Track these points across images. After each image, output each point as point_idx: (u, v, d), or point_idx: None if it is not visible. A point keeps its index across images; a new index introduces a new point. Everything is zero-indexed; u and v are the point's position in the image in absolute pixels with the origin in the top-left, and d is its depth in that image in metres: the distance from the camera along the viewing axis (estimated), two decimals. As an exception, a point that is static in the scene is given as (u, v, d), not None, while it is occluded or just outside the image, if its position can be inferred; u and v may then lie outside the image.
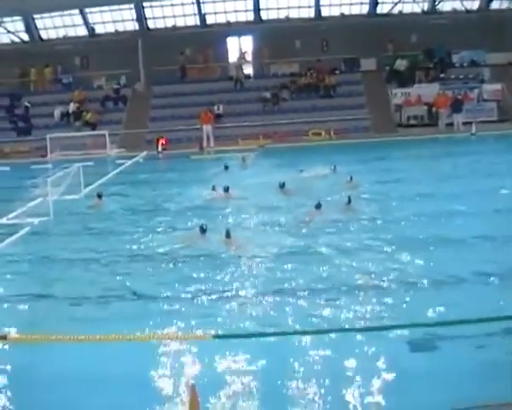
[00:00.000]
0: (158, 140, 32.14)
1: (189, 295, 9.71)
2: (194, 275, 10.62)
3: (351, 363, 7.26)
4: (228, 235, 12.17)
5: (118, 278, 10.83)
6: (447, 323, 7.87)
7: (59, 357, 7.67)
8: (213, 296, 9.61)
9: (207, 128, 32.59)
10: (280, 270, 10.62)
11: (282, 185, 17.44)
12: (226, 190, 17.43)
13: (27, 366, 7.51)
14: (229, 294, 9.68)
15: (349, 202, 14.86)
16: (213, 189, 17.87)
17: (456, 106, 32.16)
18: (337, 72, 37.54)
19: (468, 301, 8.81)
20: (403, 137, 30.83)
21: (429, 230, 12.69)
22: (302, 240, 12.46)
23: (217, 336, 7.82)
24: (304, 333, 8.05)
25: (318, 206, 14.30)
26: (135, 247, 12.80)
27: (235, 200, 16.99)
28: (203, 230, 12.68)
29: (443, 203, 15.15)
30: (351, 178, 18.01)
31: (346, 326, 8.33)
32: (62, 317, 9.17)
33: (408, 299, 9.08)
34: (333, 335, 7.99)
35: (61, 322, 8.91)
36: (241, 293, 9.72)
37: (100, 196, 17.74)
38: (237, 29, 39.78)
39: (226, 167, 22.86)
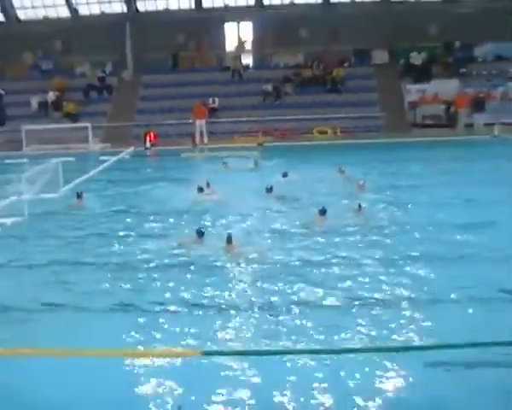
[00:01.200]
0: (146, 135, 32.17)
1: (182, 308, 9.69)
2: (188, 284, 10.60)
3: (351, 385, 7.28)
4: (229, 240, 12.16)
5: (98, 287, 10.79)
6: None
7: (33, 372, 7.67)
8: (209, 309, 9.60)
9: (201, 123, 32.61)
10: (286, 282, 10.62)
11: (270, 189, 17.41)
12: (203, 188, 17.66)
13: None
14: (226, 306, 9.67)
15: (359, 208, 14.84)
16: (200, 190, 17.88)
17: (478, 105, 32.24)
18: (346, 64, 37.78)
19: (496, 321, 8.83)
20: (417, 138, 30.87)
21: (447, 240, 12.69)
22: (307, 249, 12.46)
23: (206, 353, 7.84)
24: (306, 352, 8.06)
25: (323, 211, 14.26)
26: (119, 253, 12.77)
27: (225, 203, 17.07)
28: (201, 233, 12.71)
29: (460, 212, 15.16)
30: (363, 182, 18.03)
31: (348, 346, 8.33)
32: (37, 329, 9.14)
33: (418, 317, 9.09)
34: (337, 356, 8.02)
35: (35, 335, 8.88)
36: (241, 306, 9.71)
37: (80, 196, 17.74)
38: (236, 14, 39.94)
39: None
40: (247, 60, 40.22)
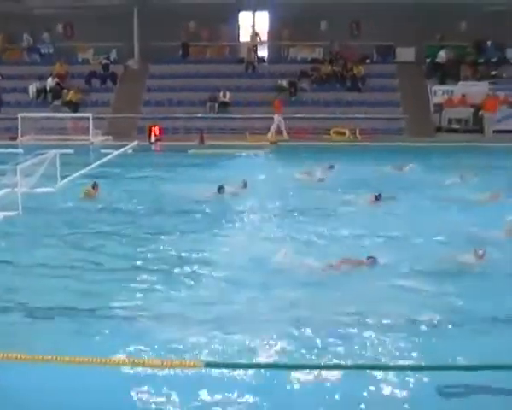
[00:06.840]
0: (150, 128, 32.13)
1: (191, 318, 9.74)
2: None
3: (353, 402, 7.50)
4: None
5: (95, 290, 10.79)
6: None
7: (20, 379, 7.66)
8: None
9: (279, 117, 32.86)
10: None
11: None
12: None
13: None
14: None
15: None
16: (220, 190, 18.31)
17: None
18: (368, 61, 37.61)
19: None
20: (441, 143, 30.75)
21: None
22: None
23: (209, 365, 7.86)
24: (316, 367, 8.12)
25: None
26: (116, 253, 12.80)
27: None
28: None
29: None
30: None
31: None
32: (26, 334, 9.12)
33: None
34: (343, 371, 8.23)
35: (23, 339, 8.86)
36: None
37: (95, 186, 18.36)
38: (252, 3, 39.83)
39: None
40: (262, 52, 40.13)
